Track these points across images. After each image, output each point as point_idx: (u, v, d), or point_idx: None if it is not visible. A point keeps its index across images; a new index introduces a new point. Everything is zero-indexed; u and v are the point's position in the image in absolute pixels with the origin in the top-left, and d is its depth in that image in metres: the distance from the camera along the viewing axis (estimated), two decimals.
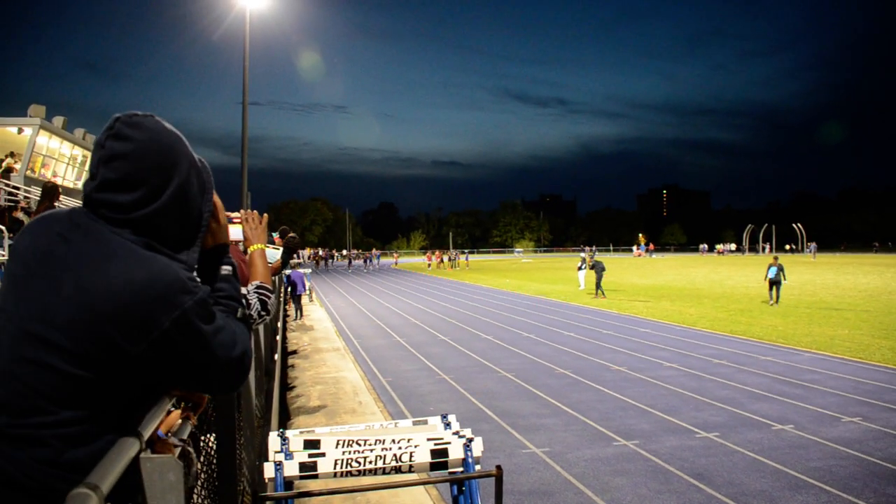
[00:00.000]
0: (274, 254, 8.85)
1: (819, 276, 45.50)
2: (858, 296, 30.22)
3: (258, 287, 2.70)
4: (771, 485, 7.23)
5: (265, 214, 3.20)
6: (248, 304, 2.58)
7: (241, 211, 3.22)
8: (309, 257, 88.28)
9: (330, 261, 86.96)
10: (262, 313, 2.66)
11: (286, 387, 12.36)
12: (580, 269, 35.52)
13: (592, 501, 6.76)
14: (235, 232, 3.20)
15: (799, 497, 6.88)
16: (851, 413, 10.14)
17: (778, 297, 26.60)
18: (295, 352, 16.30)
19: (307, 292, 30.65)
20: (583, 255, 38.86)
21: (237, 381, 1.80)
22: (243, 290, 2.62)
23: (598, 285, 29.39)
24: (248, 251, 3.02)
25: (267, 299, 2.68)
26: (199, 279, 1.75)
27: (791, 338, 17.47)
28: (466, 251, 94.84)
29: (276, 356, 10.66)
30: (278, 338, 12.70)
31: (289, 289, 22.66)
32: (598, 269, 29.56)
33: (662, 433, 9.17)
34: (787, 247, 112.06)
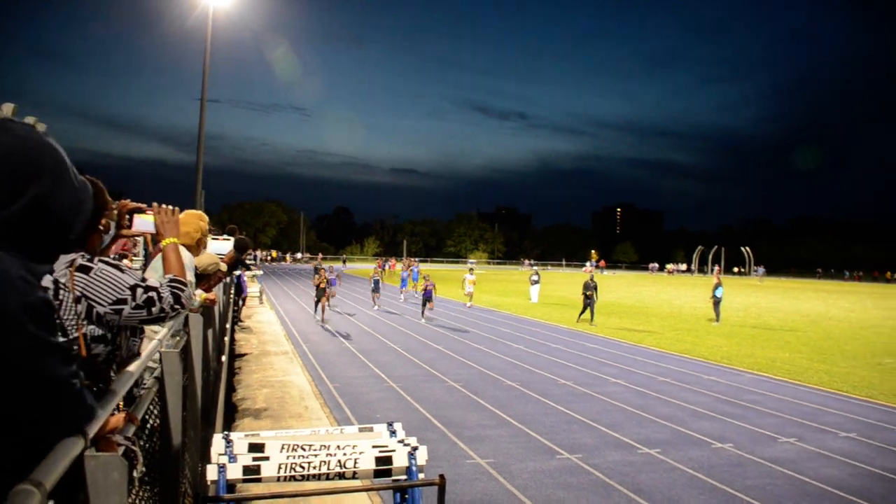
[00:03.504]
0: (225, 245, 8.78)
1: (764, 299, 46.57)
2: (800, 320, 31.02)
3: (171, 280, 2.70)
4: (708, 501, 7.39)
5: (177, 208, 3.20)
6: (161, 298, 2.58)
7: (154, 205, 3.21)
8: (263, 259, 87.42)
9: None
10: (176, 307, 2.65)
11: (232, 389, 12.22)
12: (534, 282, 35.90)
13: None
14: (148, 225, 3.20)
15: None
16: (788, 433, 10.42)
17: (718, 316, 27.31)
18: (243, 354, 16.12)
19: (258, 295, 30.32)
20: (535, 268, 39.32)
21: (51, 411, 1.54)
22: (155, 283, 2.62)
23: (591, 311, 25.59)
24: (161, 245, 3.02)
25: (180, 293, 2.67)
26: (49, 288, 1.67)
27: (734, 358, 17.85)
28: (417, 260, 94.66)
29: (224, 358, 10.56)
30: (226, 339, 12.57)
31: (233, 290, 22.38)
32: (590, 290, 25.88)
33: (605, 448, 9.30)
34: (736, 269, 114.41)
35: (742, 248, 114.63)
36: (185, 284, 2.72)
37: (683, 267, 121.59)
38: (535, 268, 41.15)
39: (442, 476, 3.69)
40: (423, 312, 25.51)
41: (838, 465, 8.97)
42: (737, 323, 28.02)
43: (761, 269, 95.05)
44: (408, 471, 4.01)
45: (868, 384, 14.97)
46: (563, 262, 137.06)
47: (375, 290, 30.30)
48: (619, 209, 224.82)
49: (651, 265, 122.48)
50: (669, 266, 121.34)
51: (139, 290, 2.55)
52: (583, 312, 25.63)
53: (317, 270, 42.79)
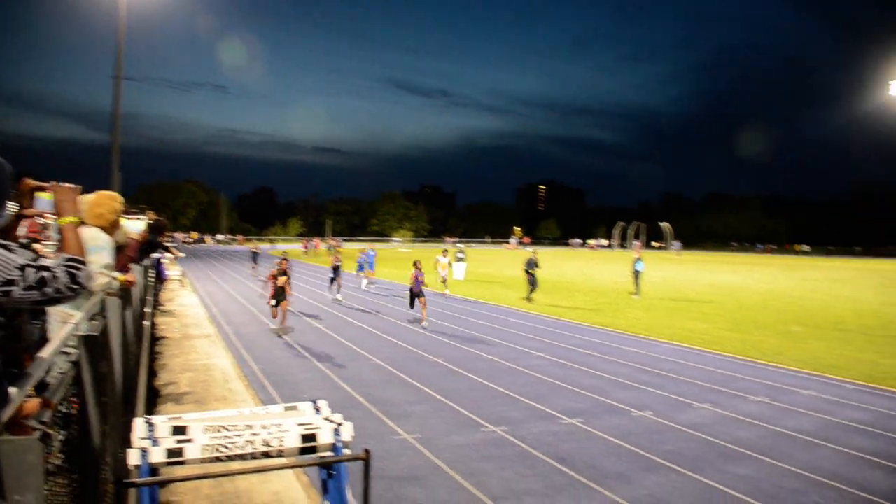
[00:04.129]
0: (135, 224, 8.60)
1: (682, 272, 48.06)
2: (716, 291, 32.17)
3: (68, 260, 2.64)
4: (628, 467, 7.66)
5: (78, 187, 3.13)
6: (55, 278, 2.51)
7: (53, 183, 3.14)
8: (184, 241, 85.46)
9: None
10: (73, 286, 2.58)
11: (153, 374, 11.99)
12: (459, 260, 36.18)
13: (460, 485, 6.96)
14: (47, 204, 3.14)
15: (653, 477, 7.34)
16: (703, 399, 10.85)
17: (638, 288, 28.11)
18: (164, 338, 15.80)
19: (179, 277, 29.67)
20: (460, 245, 39.34)
21: None
22: (49, 263, 2.56)
23: (532, 287, 25.83)
24: (59, 224, 2.95)
25: (77, 272, 2.61)
26: None
27: (653, 330, 18.42)
28: (340, 239, 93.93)
29: (144, 342, 10.35)
30: (146, 323, 12.31)
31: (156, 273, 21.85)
32: (532, 267, 26.04)
33: (529, 420, 9.52)
34: (655, 244, 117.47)
35: (660, 224, 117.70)
36: (82, 263, 2.64)
37: (605, 242, 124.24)
38: (460, 245, 41.09)
39: (367, 450, 3.73)
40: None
41: (749, 427, 9.41)
42: (656, 296, 28.86)
43: (678, 244, 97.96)
44: (333, 447, 4.03)
45: (777, 351, 15.66)
46: (488, 239, 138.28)
47: (336, 276, 24.95)
48: (542, 186, 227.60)
49: (573, 241, 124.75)
50: (591, 241, 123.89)
51: (30, 270, 2.45)
52: (532, 290, 25.69)
53: (255, 258, 38.23)
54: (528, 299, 25.23)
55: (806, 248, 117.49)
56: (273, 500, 6.46)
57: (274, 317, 16.94)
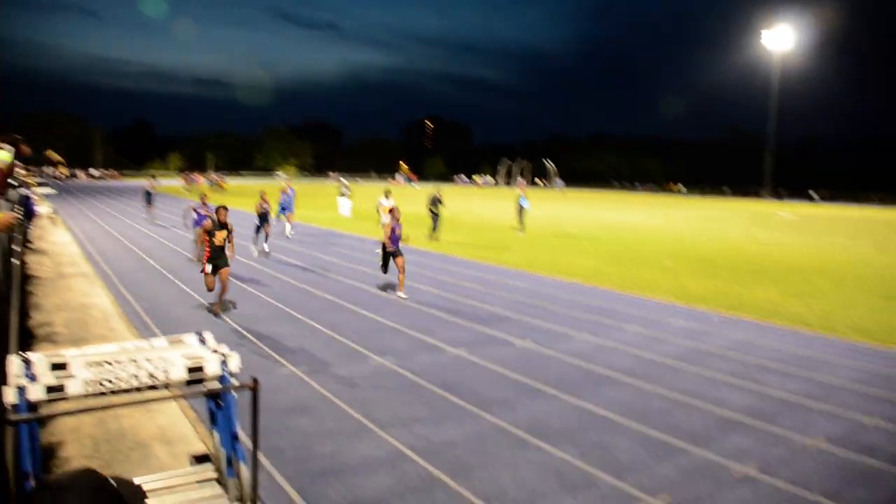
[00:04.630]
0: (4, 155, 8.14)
1: (566, 209, 49.44)
2: (597, 228, 33.32)
3: None
4: (511, 393, 8.00)
5: None
6: None
7: None
8: (54, 176, 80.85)
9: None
10: None
11: (26, 314, 11.48)
12: (342, 196, 35.89)
13: (347, 414, 7.10)
14: None
15: (534, 402, 7.71)
16: (583, 330, 11.37)
17: (523, 225, 28.81)
18: (35, 277, 15.08)
19: (50, 214, 28.19)
20: (344, 181, 38.87)
21: None
22: None
23: (435, 225, 25.56)
24: None
25: None
26: None
27: (537, 265, 18.99)
28: (222, 174, 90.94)
29: (14, 280, 9.87)
30: (14, 261, 11.72)
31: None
32: (436, 205, 25.67)
33: (416, 351, 9.74)
34: (539, 182, 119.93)
35: (545, 162, 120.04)
36: None
37: (491, 179, 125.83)
38: (344, 181, 40.57)
39: (255, 379, 3.76)
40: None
41: (624, 355, 9.96)
42: (540, 232, 29.65)
43: (562, 182, 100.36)
44: (221, 379, 4.04)
45: (652, 284, 16.49)
46: (373, 175, 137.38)
47: (264, 223, 20.09)
48: (429, 123, 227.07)
49: (459, 178, 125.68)
50: (478, 179, 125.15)
51: None
52: (435, 228, 25.61)
53: (149, 197, 30.06)
54: (432, 237, 25.21)
55: (682, 188, 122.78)
56: (159, 436, 6.42)
57: (210, 288, 12.00)
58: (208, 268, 11.83)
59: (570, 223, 36.01)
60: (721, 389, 8.53)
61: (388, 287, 14.74)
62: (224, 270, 11.94)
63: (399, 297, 13.76)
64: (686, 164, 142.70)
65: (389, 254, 14.26)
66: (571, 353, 9.93)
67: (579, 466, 6.07)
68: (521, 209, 29.36)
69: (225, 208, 12.08)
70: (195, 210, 17.58)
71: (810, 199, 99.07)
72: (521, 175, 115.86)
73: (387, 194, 24.26)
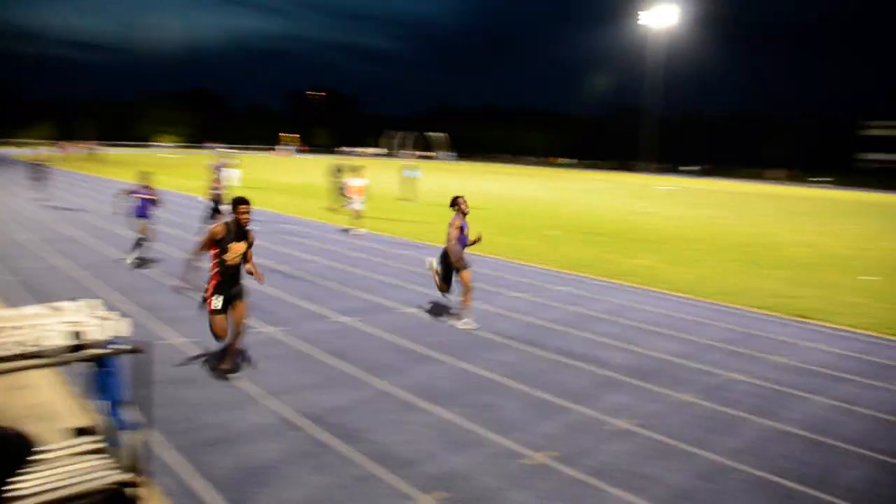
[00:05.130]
0: None
1: (455, 181, 49.85)
2: (486, 199, 33.80)
3: None
4: (400, 358, 8.12)
5: None
6: None
7: None
8: None
9: None
10: None
11: None
12: (230, 166, 34.92)
13: (236, 384, 7.03)
14: None
15: (422, 367, 7.86)
16: (473, 298, 11.56)
17: (414, 196, 28.97)
18: None
19: None
20: (227, 151, 37.73)
21: None
22: None
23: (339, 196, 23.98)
24: None
25: None
26: None
27: (426, 235, 19.15)
28: (95, 142, 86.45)
29: None
30: None
31: None
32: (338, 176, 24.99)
33: (306, 320, 9.70)
34: (428, 153, 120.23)
35: (434, 134, 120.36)
36: None
37: (379, 150, 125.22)
38: (228, 152, 39.47)
39: (140, 344, 3.68)
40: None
41: (511, 320, 10.25)
42: (431, 203, 29.83)
43: (451, 153, 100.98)
44: (105, 345, 3.92)
45: (537, 252, 16.96)
46: (257, 146, 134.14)
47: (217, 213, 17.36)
48: (315, 93, 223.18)
49: (347, 149, 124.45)
50: (366, 150, 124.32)
51: None
52: (338, 199, 25.00)
53: (39, 171, 24.34)
54: (334, 209, 24.69)
55: (568, 160, 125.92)
56: (29, 414, 6.13)
57: (220, 335, 7.36)
58: (216, 302, 7.29)
59: (458, 194, 36.32)
60: (602, 351, 8.93)
61: (278, 259, 14.52)
62: (240, 306, 7.49)
63: (464, 326, 9.74)
64: (571, 138, 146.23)
65: (454, 266, 10.03)
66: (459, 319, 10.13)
67: (466, 426, 6.25)
68: (409, 180, 29.48)
69: (245, 204, 7.36)
70: (135, 193, 13.40)
71: (688, 172, 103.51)
72: (411, 146, 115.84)
73: (354, 171, 20.14)
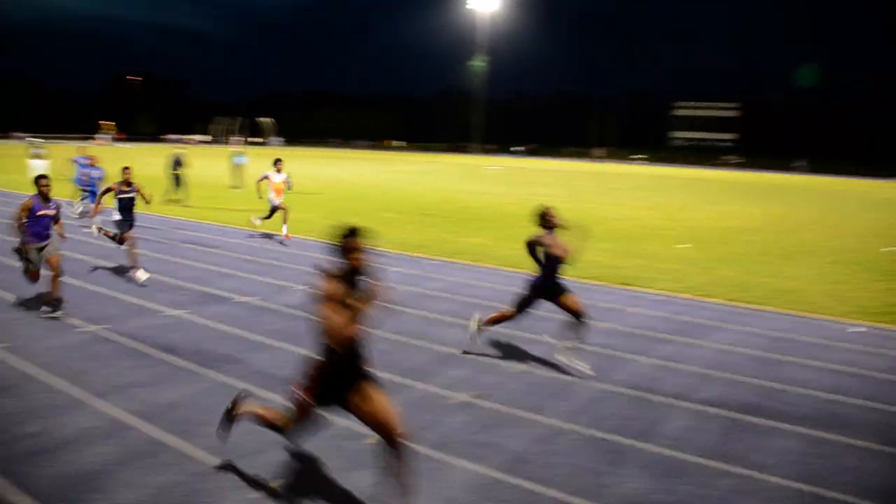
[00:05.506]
0: None
1: (285, 166, 48.78)
2: (318, 184, 33.44)
3: None
4: (235, 348, 7.90)
5: None
6: None
7: None
8: None
9: None
10: None
11: None
12: (35, 158, 32.50)
13: (60, 388, 6.57)
14: None
15: (260, 355, 7.70)
16: (301, 282, 11.42)
17: (242, 182, 28.28)
18: None
19: None
20: (36, 141, 35.10)
21: None
22: None
23: (180, 188, 24.18)
24: None
25: None
26: None
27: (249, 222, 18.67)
28: None
29: None
30: None
31: None
32: (178, 167, 24.02)
33: (131, 316, 9.21)
34: (256, 139, 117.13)
35: (262, 119, 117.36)
36: None
37: (205, 138, 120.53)
38: (36, 141, 36.68)
39: None
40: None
41: None
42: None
43: (280, 139, 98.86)
44: None
45: (373, 235, 16.93)
46: (77, 136, 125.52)
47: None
48: (135, 77, 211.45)
49: (171, 136, 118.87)
50: (192, 137, 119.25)
51: None
52: (178, 190, 23.97)
53: None
54: (172, 201, 23.45)
55: (401, 143, 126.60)
56: None
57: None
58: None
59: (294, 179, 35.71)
60: (438, 328, 9.10)
61: (101, 255, 13.68)
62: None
63: (581, 369, 7.63)
64: (403, 121, 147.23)
65: (550, 288, 7.86)
66: (292, 304, 9.99)
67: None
68: (237, 166, 28.66)
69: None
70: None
71: (517, 152, 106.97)
72: (238, 132, 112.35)
73: (276, 164, 17.42)
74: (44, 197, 9.21)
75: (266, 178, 17.18)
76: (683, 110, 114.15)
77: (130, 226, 11.62)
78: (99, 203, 12.28)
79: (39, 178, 9.26)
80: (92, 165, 19.16)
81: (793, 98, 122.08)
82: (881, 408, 7.04)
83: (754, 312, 10.99)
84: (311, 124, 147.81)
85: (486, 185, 37.46)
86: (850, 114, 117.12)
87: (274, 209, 16.81)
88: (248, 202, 23.81)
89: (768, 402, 7.02)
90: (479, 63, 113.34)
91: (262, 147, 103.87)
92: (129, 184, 11.72)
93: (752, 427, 6.37)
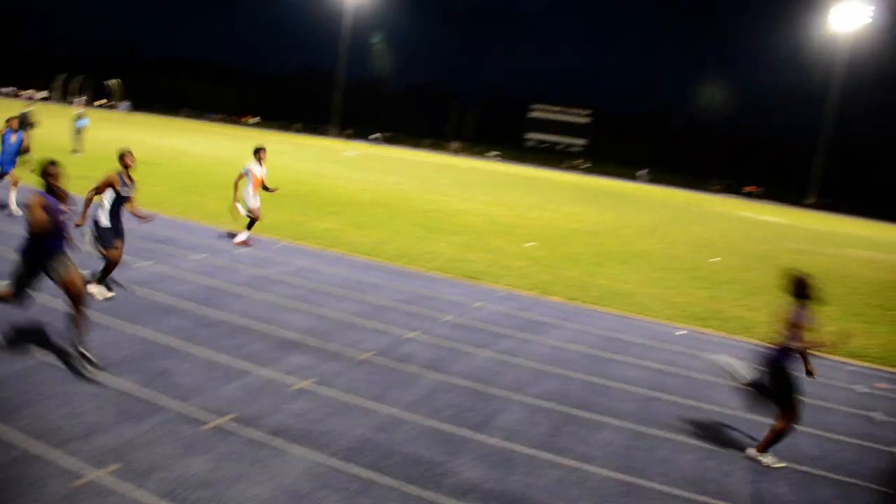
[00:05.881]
0: None
1: (131, 134, 46.40)
2: (162, 155, 31.96)
3: None
4: (64, 328, 7.42)
5: None
6: None
7: None
8: None
9: None
10: None
11: None
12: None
13: None
14: None
15: (91, 335, 7.26)
16: (143, 258, 10.88)
17: (81, 147, 26.65)
18: None
19: None
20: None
21: None
22: None
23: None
24: None
25: None
26: None
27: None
28: None
29: None
30: None
31: None
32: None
33: None
34: (101, 102, 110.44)
35: (109, 81, 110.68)
36: None
37: (44, 94, 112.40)
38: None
39: None
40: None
41: (188, 282, 9.85)
42: (101, 155, 27.47)
43: (128, 104, 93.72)
44: None
45: (218, 213, 16.42)
46: None
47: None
48: None
49: (5, 90, 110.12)
50: (29, 92, 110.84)
51: None
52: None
53: None
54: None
55: (255, 120, 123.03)
56: None
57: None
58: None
59: (134, 148, 33.91)
60: (283, 313, 8.95)
61: None
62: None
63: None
64: (260, 97, 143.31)
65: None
66: (133, 281, 9.48)
67: (141, 395, 5.92)
68: (78, 130, 26.92)
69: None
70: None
71: (374, 139, 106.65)
72: (81, 92, 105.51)
73: (258, 154, 13.59)
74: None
75: (247, 173, 13.42)
76: (538, 112, 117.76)
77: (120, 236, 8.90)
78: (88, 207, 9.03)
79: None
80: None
81: (642, 111, 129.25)
82: (696, 405, 7.60)
83: (591, 312, 11.54)
84: (165, 92, 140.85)
85: (342, 170, 37.12)
86: (692, 129, 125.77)
87: (253, 219, 13.32)
88: (88, 167, 22.45)
89: (597, 397, 7.41)
90: (377, 43, 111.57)
91: (108, 110, 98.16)
92: (130, 177, 9.30)
93: (580, 421, 6.69)
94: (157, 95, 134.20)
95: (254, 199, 13.41)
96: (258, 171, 13.54)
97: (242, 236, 13.13)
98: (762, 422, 7.20)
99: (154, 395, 5.96)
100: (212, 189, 20.95)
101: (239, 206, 13.21)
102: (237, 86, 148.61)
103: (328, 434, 5.64)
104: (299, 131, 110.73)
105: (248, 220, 13.35)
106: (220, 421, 5.62)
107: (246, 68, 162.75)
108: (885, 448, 7.11)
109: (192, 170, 26.71)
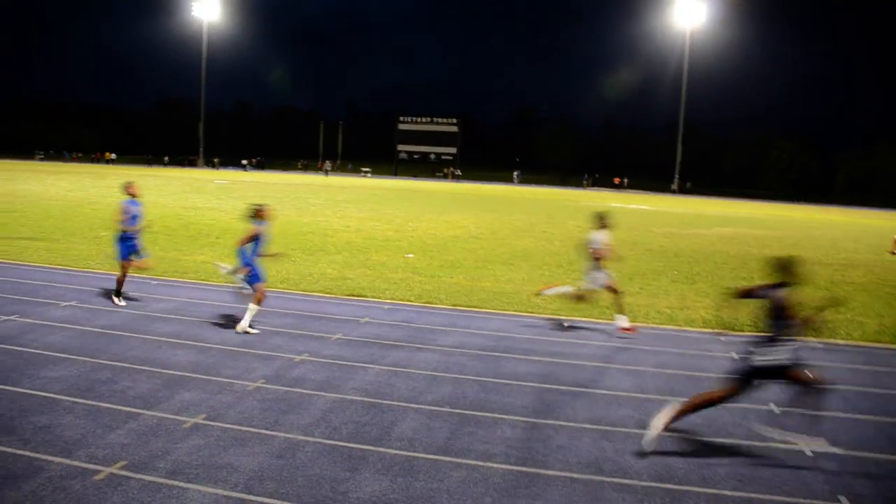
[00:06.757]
0: None
1: None
2: (17, 201, 30.21)
3: None
4: None
5: None
6: None
7: None
8: None
9: None
10: None
11: None
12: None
13: None
14: None
15: None
16: (9, 312, 10.27)
17: None
18: None
19: None
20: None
21: None
22: None
23: None
24: None
25: None
26: None
27: None
28: None
29: None
30: None
31: None
32: None
33: None
34: None
35: None
36: None
37: None
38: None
39: None
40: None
41: (60, 331, 9.37)
42: None
43: None
44: None
45: (87, 256, 15.72)
46: None
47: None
48: None
49: None
50: None
51: None
52: None
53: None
54: None
55: (114, 156, 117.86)
56: None
57: None
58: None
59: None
60: (165, 351, 8.66)
61: None
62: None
63: None
64: (124, 133, 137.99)
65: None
66: None
67: (21, 454, 5.60)
68: None
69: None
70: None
71: (243, 166, 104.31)
72: None
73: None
74: None
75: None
76: (407, 125, 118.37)
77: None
78: None
79: None
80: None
81: (508, 115, 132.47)
82: (586, 391, 7.89)
83: (478, 315, 11.75)
84: (12, 135, 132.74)
85: (213, 201, 36.16)
86: (560, 129, 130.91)
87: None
88: None
89: (492, 396, 7.57)
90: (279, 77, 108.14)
91: None
92: None
93: (478, 421, 6.81)
94: (6, 139, 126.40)
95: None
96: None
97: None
98: (649, 399, 7.56)
99: (36, 453, 5.64)
100: (76, 232, 19.99)
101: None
102: (96, 123, 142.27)
103: (226, 468, 5.52)
104: (166, 164, 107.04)
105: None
106: (111, 469, 5.39)
107: (105, 104, 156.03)
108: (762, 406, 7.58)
109: (54, 213, 25.32)
